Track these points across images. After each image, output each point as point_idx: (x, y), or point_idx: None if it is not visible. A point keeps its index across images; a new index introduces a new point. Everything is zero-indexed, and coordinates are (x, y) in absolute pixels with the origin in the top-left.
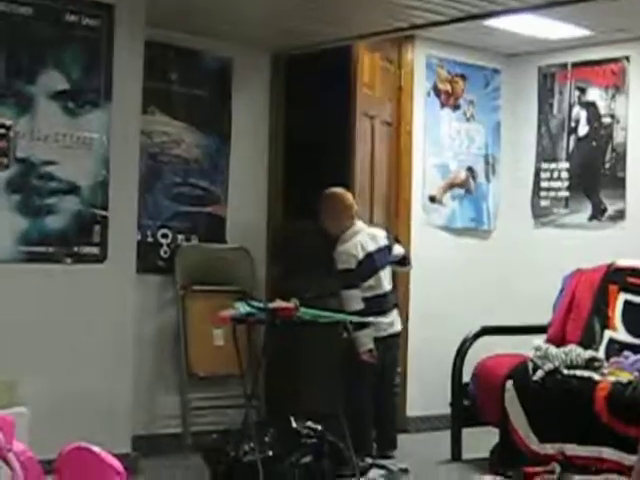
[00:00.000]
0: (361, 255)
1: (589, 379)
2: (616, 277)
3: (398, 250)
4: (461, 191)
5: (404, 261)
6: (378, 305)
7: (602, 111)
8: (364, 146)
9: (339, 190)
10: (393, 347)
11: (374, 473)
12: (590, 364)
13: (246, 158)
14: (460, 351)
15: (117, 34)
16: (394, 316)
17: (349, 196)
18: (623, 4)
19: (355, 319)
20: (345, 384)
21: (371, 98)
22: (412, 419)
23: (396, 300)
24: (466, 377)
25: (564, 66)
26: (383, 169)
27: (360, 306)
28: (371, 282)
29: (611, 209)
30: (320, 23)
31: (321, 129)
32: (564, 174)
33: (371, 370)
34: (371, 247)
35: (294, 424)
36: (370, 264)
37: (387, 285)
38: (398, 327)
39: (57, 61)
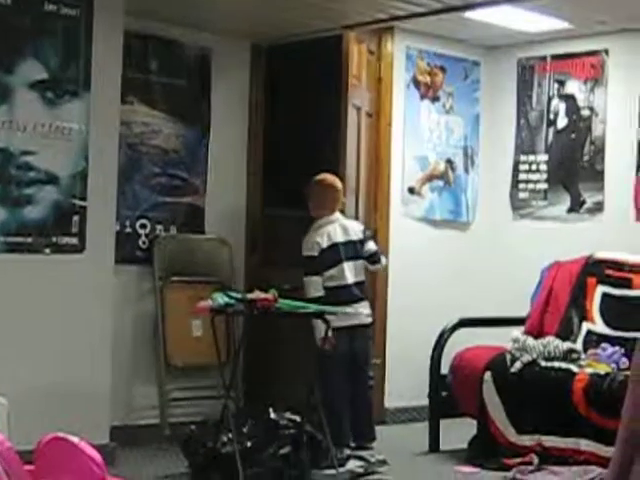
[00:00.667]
0: (325, 244)
1: (567, 371)
2: (594, 269)
3: (369, 247)
4: (440, 183)
5: (373, 258)
6: (339, 295)
7: (581, 104)
8: (352, 138)
9: (330, 177)
10: (359, 339)
11: (352, 464)
12: (568, 356)
13: (225, 148)
14: (438, 343)
15: (96, 23)
16: (360, 308)
17: (338, 184)
18: None
19: (335, 309)
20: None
21: (359, 89)
22: (390, 410)
23: (363, 293)
24: (444, 369)
25: (543, 58)
26: (366, 161)
27: (319, 293)
28: (333, 272)
29: (590, 201)
30: (299, 14)
31: (302, 120)
32: (543, 166)
33: (331, 359)
34: (339, 238)
35: (272, 415)
36: (333, 254)
37: (351, 277)
38: (365, 319)
39: (36, 50)
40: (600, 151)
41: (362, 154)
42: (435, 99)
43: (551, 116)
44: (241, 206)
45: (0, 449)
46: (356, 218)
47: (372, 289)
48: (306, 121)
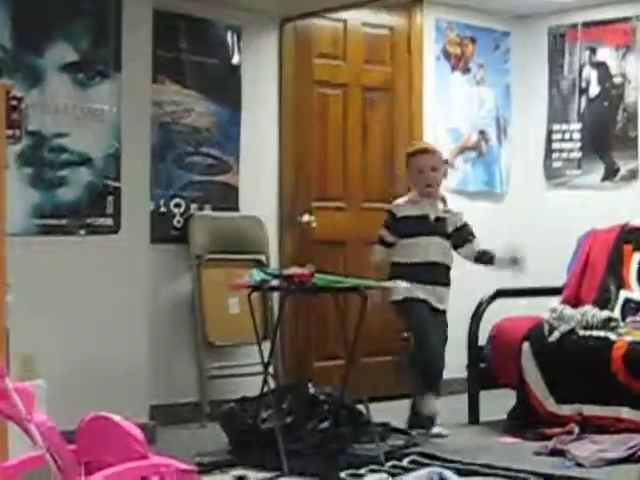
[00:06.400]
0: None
1: (605, 339)
2: (630, 237)
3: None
4: (473, 154)
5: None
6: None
7: (613, 71)
8: None
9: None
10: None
11: (393, 438)
12: (606, 324)
13: (257, 126)
14: (475, 314)
15: (125, 4)
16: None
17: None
18: None
19: (370, 283)
20: None
21: None
22: None
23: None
24: (482, 340)
25: (574, 26)
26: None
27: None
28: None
29: (624, 169)
30: None
31: None
32: (576, 135)
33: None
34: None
35: (312, 390)
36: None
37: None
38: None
39: (66, 33)
40: (633, 118)
41: None
42: (466, 70)
43: (583, 84)
44: (274, 184)
45: (42, 429)
46: None
47: None
48: None
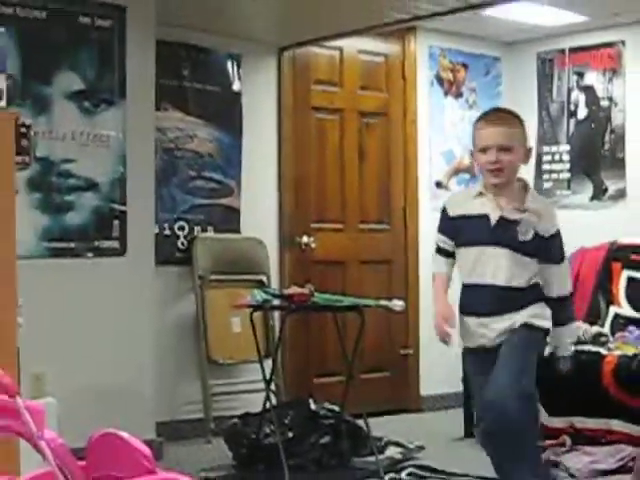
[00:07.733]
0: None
1: (596, 354)
2: (619, 255)
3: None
4: (466, 176)
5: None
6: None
7: (600, 94)
8: None
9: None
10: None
11: (391, 451)
12: (597, 339)
13: (257, 151)
14: None
15: (129, 34)
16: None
17: None
18: None
19: (368, 302)
20: None
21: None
22: (425, 398)
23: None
24: None
25: (562, 52)
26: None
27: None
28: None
29: (612, 189)
30: (323, 17)
31: None
32: (565, 156)
33: None
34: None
35: (312, 406)
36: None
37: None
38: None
39: (72, 62)
40: (620, 139)
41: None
42: (458, 95)
43: (571, 107)
44: (274, 206)
45: (53, 446)
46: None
47: (405, 280)
48: None
